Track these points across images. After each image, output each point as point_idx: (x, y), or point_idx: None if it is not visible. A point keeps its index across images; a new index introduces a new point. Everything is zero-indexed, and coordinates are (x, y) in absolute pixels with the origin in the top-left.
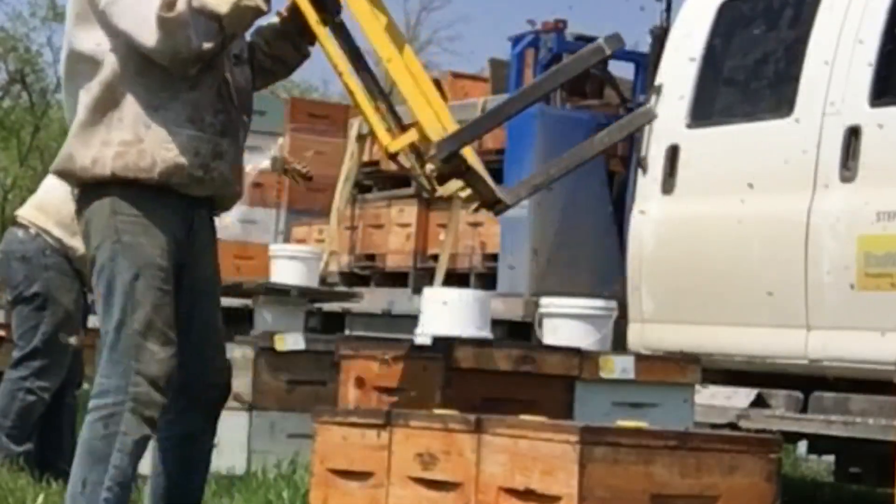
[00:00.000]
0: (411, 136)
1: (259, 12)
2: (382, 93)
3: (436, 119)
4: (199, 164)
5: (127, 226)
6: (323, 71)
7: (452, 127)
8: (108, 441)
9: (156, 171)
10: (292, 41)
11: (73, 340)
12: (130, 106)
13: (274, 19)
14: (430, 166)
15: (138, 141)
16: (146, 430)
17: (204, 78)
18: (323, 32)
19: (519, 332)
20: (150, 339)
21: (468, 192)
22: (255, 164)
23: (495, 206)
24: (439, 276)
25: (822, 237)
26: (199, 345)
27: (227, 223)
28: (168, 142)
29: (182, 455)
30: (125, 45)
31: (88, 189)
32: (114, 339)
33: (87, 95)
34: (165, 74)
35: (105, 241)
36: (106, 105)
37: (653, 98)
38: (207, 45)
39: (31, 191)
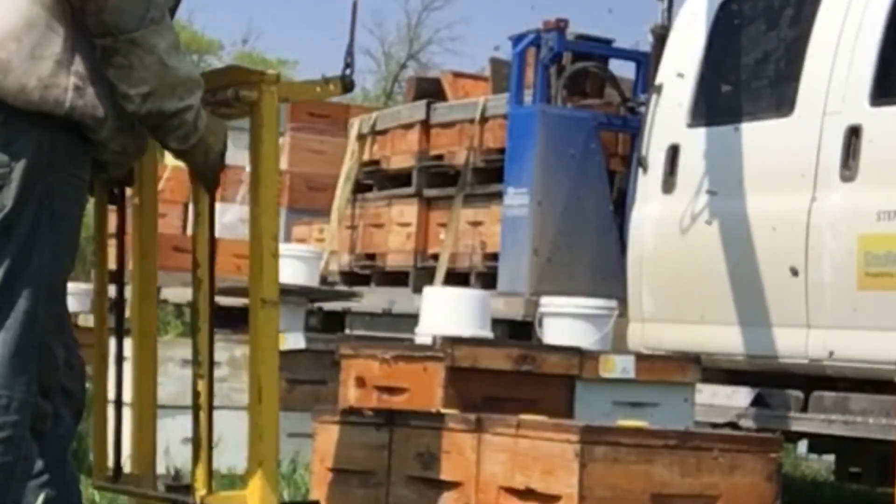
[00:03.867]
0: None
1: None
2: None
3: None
4: None
5: None
6: (322, 71)
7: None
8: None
9: None
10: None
11: None
12: None
13: None
14: None
15: None
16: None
17: None
18: None
19: (519, 331)
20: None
21: None
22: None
23: None
24: (439, 275)
25: (823, 237)
26: None
27: (228, 222)
28: None
29: None
30: None
31: None
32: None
33: None
34: None
35: None
36: None
37: (653, 97)
38: None
39: None
